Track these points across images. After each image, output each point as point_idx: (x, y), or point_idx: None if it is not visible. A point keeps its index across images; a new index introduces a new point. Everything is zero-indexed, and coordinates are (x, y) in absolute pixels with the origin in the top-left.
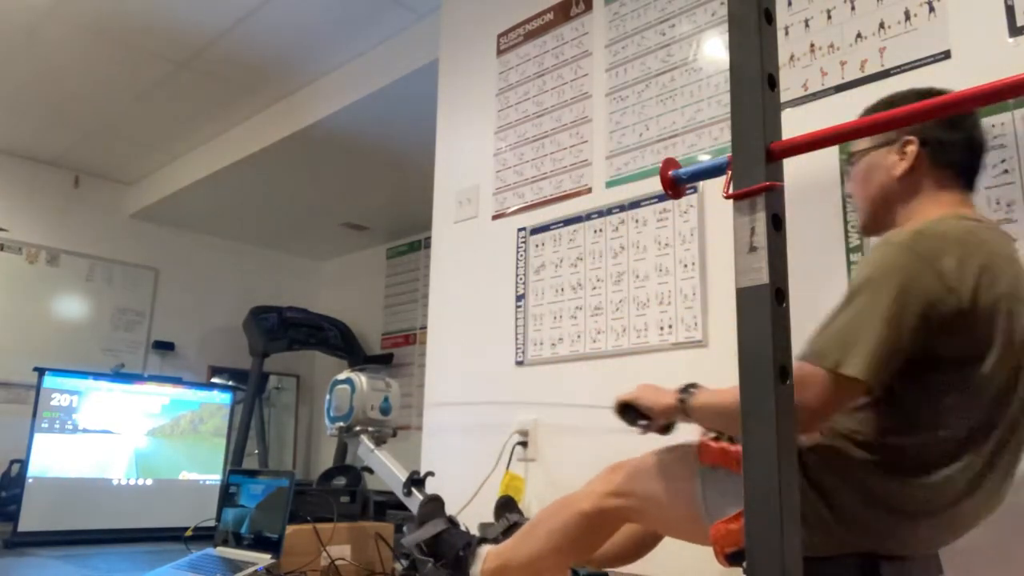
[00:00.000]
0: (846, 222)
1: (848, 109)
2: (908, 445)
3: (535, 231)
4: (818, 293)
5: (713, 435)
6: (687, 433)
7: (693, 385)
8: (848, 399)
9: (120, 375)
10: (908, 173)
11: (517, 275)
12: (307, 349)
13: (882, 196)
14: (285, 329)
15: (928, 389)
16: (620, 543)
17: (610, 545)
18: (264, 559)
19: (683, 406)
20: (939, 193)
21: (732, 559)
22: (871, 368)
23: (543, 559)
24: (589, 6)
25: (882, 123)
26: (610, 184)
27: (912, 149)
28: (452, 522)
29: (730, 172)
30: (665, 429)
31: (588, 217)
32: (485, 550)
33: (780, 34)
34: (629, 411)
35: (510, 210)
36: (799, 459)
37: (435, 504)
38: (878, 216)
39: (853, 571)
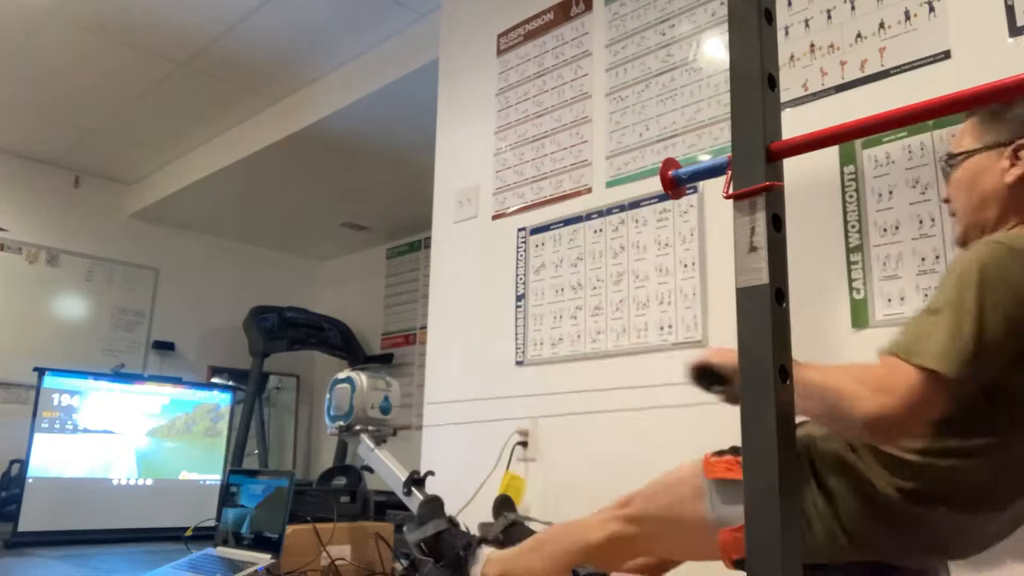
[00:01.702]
0: (846, 222)
1: (848, 109)
2: (940, 467)
3: (535, 231)
4: (818, 293)
5: (716, 452)
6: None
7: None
8: (931, 400)
9: (120, 375)
10: (1022, 181)
11: (517, 275)
12: (307, 349)
13: (989, 205)
14: (285, 329)
15: (989, 417)
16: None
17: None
18: (264, 559)
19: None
20: None
21: (740, 565)
22: (954, 360)
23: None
24: (589, 6)
25: (882, 122)
26: (610, 184)
27: None
28: (452, 522)
29: (730, 172)
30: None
31: (588, 217)
32: (486, 552)
33: (780, 34)
34: (705, 376)
35: (510, 210)
36: (809, 457)
37: (435, 504)
38: (984, 228)
39: None
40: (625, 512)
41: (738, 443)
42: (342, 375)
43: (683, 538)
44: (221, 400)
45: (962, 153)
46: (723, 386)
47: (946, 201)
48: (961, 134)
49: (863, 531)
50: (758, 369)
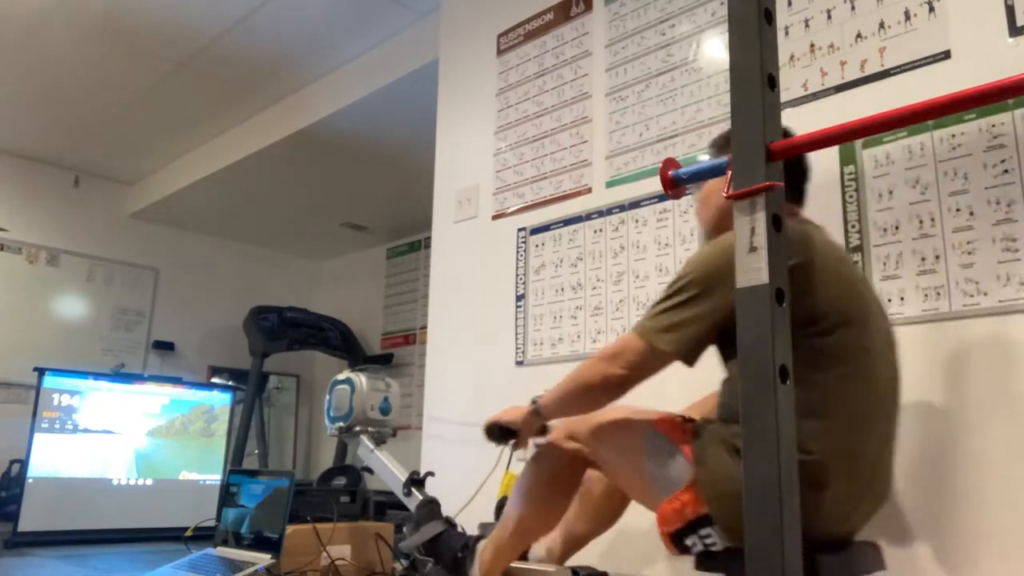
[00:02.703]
0: (846, 222)
1: (848, 109)
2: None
3: (535, 231)
4: None
5: (682, 416)
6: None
7: (538, 396)
8: (651, 364)
9: (120, 375)
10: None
11: (517, 275)
12: (307, 349)
13: (719, 216)
14: (285, 329)
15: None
16: (589, 515)
17: (579, 518)
18: (264, 559)
19: (537, 407)
20: None
21: (676, 539)
22: (666, 338)
23: (526, 519)
24: (589, 6)
25: (882, 122)
26: (610, 184)
27: None
28: (450, 523)
29: (730, 172)
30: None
31: (588, 217)
32: (482, 546)
33: (780, 34)
34: (496, 432)
35: (510, 210)
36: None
37: (431, 507)
38: (717, 231)
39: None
40: (569, 429)
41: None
42: (341, 376)
43: (621, 467)
44: (216, 401)
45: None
46: (514, 438)
47: (697, 215)
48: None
49: None
50: (758, 369)
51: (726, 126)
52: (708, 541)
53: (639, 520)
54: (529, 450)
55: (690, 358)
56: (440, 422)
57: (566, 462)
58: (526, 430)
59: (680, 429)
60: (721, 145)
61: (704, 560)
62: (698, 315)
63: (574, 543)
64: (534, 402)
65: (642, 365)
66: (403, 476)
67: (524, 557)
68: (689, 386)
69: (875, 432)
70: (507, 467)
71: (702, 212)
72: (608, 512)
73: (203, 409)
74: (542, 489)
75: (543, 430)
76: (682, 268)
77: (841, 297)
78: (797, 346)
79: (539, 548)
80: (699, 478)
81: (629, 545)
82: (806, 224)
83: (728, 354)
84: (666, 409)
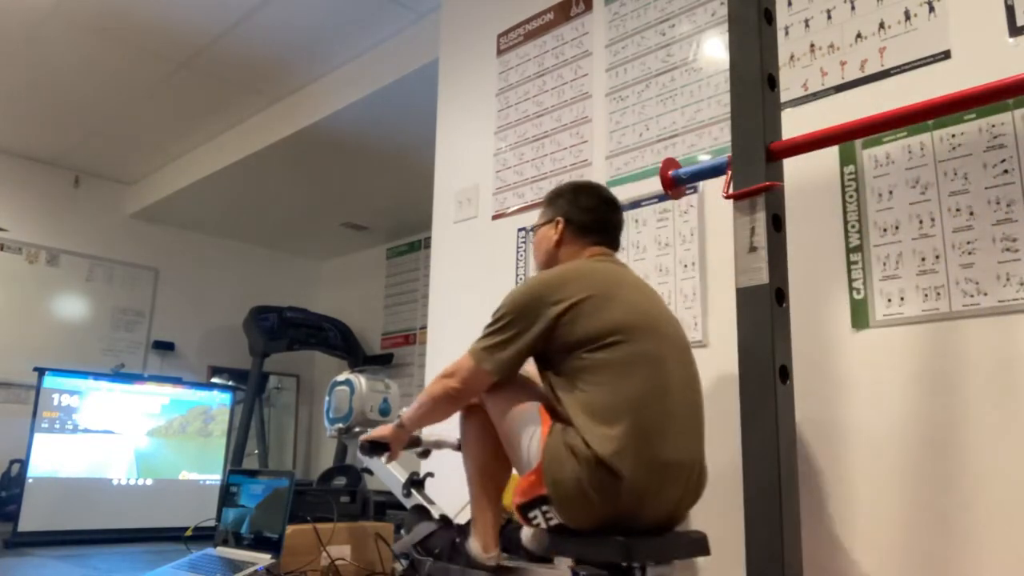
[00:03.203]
0: (846, 222)
1: (848, 109)
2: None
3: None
4: (818, 293)
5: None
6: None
7: (402, 412)
8: (482, 378)
9: (120, 375)
10: (559, 242)
11: (517, 275)
12: (307, 349)
13: (547, 257)
14: (285, 329)
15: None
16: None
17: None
18: (264, 559)
19: (400, 421)
20: (582, 249)
21: (522, 511)
22: (489, 358)
23: (483, 466)
24: (589, 6)
25: (882, 122)
26: (610, 184)
27: (560, 227)
28: (445, 520)
29: (730, 172)
30: (423, 455)
31: None
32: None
33: (780, 34)
34: (367, 447)
35: (510, 210)
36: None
37: (420, 512)
38: (547, 267)
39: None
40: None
41: (737, 443)
42: (341, 377)
43: (503, 432)
44: (213, 401)
45: (535, 226)
46: (387, 451)
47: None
48: (540, 214)
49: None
50: (758, 369)
51: (726, 126)
52: (548, 515)
53: None
54: (396, 460)
55: (507, 374)
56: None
57: (484, 416)
58: (395, 442)
59: (550, 415)
60: (550, 199)
61: (548, 533)
62: (509, 340)
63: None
64: (399, 417)
65: (472, 380)
66: (403, 477)
67: (516, 544)
68: None
69: (673, 428)
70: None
71: (535, 252)
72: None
73: (203, 409)
74: (478, 434)
75: (415, 441)
76: (501, 302)
77: (624, 318)
78: (577, 363)
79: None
80: (543, 464)
81: None
82: (604, 261)
83: (541, 370)
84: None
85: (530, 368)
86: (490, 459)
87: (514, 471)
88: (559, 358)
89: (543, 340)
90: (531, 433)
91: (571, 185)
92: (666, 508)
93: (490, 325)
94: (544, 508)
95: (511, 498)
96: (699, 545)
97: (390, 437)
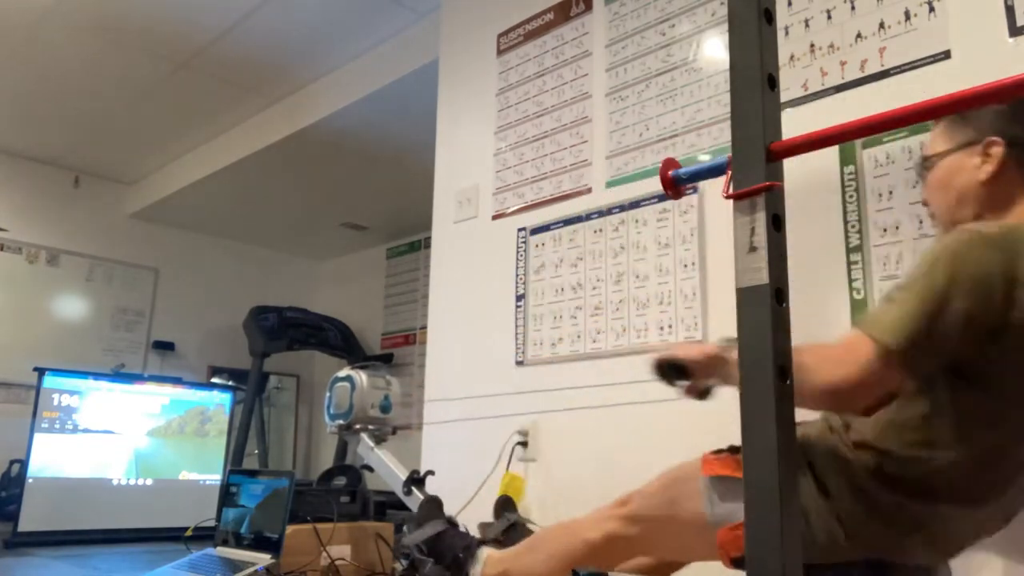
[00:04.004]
0: (846, 222)
1: (848, 109)
2: (924, 459)
3: (535, 231)
4: (818, 293)
5: (715, 451)
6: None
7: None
8: (881, 372)
9: (120, 375)
10: (995, 177)
11: (517, 275)
12: (307, 349)
13: (966, 202)
14: (285, 329)
15: (964, 404)
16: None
17: None
18: (264, 559)
19: (728, 355)
20: None
21: (738, 563)
22: (901, 334)
23: None
24: (589, 6)
25: (882, 122)
26: (610, 184)
27: (998, 151)
28: (451, 523)
29: (730, 172)
30: (704, 393)
31: (588, 217)
32: (485, 552)
33: (780, 34)
34: (668, 370)
35: (510, 210)
36: (807, 458)
37: (433, 505)
38: (960, 220)
39: None
40: (623, 511)
41: (738, 442)
42: (342, 373)
43: (682, 538)
44: (210, 402)
45: (936, 154)
46: (687, 380)
47: (924, 204)
48: (933, 138)
49: (859, 527)
50: (758, 369)
51: (726, 126)
52: None
53: None
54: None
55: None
56: (440, 420)
57: (610, 552)
58: (704, 375)
59: (724, 461)
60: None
61: None
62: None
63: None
64: (729, 341)
65: (875, 371)
66: (403, 475)
67: None
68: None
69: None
70: (507, 467)
71: (934, 198)
72: None
73: (200, 410)
74: (570, 569)
75: (708, 390)
76: (924, 261)
77: None
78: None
79: None
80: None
81: None
82: None
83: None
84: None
85: None
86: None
87: None
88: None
89: (971, 335)
90: (719, 489)
91: None
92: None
93: (901, 285)
94: None
95: (503, 490)
96: None
97: (703, 364)
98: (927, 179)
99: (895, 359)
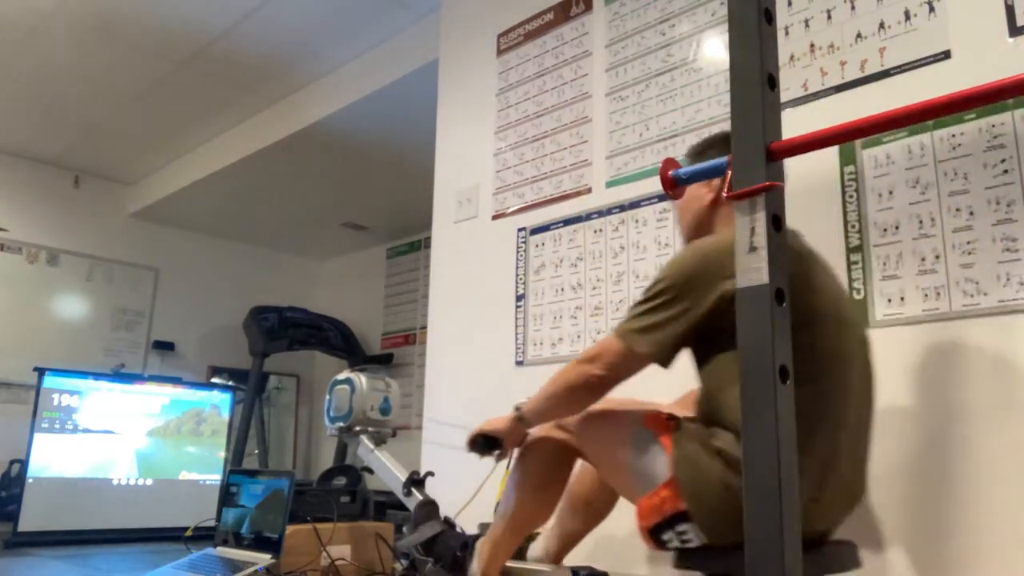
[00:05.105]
0: (846, 222)
1: (848, 109)
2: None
3: (535, 231)
4: None
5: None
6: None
7: (521, 403)
8: (629, 364)
9: (120, 375)
10: (715, 201)
11: (517, 275)
12: (307, 349)
13: (696, 223)
14: (285, 329)
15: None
16: (580, 510)
17: (571, 514)
18: (264, 559)
19: (521, 414)
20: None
21: (654, 534)
22: (641, 338)
23: (520, 512)
24: (589, 6)
25: (882, 122)
26: (610, 184)
27: (716, 182)
28: (448, 523)
29: (730, 172)
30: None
31: (588, 217)
32: (480, 542)
33: (780, 34)
34: (480, 443)
35: (510, 210)
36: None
37: (430, 508)
38: (697, 234)
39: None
40: (562, 422)
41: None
42: (341, 376)
43: (607, 459)
44: (205, 403)
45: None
46: (499, 449)
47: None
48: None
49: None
50: (758, 369)
51: (726, 126)
52: (685, 537)
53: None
54: (514, 459)
55: (665, 360)
56: (440, 423)
57: (555, 453)
58: (511, 439)
59: (664, 425)
60: (698, 152)
61: (681, 557)
62: (673, 317)
63: (569, 540)
64: (517, 409)
65: (621, 366)
66: (403, 476)
67: (521, 555)
68: (672, 380)
69: (844, 431)
70: (507, 468)
71: (681, 217)
72: (599, 506)
73: (196, 411)
74: (534, 481)
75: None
76: (659, 272)
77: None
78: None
79: (536, 548)
80: (678, 475)
81: (623, 545)
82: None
83: (702, 357)
84: (652, 402)
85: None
86: (536, 505)
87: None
88: (720, 343)
89: (711, 320)
90: (648, 445)
91: (725, 135)
92: (832, 520)
93: (644, 299)
94: (681, 528)
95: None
96: (854, 556)
97: (505, 432)
98: (677, 202)
99: (637, 357)
